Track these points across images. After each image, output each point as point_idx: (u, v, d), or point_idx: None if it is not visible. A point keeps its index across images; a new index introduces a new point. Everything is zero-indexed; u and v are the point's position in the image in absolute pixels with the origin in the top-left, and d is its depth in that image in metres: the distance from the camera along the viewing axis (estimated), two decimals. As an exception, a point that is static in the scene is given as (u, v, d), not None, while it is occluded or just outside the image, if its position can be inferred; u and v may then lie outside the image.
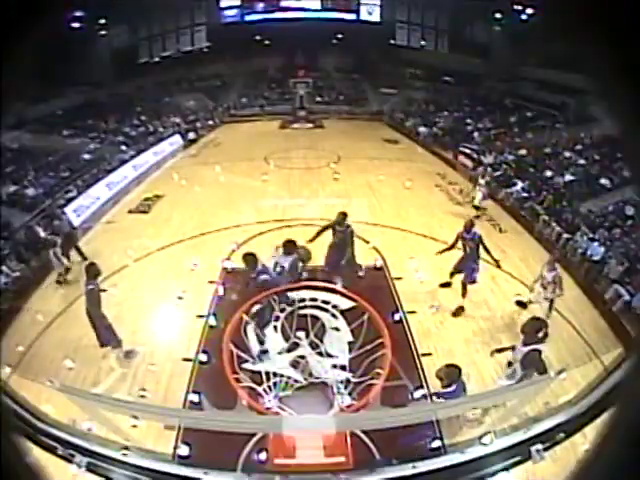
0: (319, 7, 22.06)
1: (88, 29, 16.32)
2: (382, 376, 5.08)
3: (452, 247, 6.59)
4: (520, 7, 17.22)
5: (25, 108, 13.15)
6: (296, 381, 5.24)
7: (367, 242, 8.44)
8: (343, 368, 5.42)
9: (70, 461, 2.39)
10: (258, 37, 22.23)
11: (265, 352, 5.67)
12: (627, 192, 9.00)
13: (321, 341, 5.86)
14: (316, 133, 18.95)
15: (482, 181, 10.56)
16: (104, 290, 5.82)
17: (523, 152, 13.14)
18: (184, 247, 8.62)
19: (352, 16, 22.03)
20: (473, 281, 6.52)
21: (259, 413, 4.62)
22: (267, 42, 22.50)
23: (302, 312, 6.34)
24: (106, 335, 5.55)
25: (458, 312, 6.57)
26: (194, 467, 2.97)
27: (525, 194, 10.64)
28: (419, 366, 5.54)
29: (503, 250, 8.54)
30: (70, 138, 13.81)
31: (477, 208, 10.31)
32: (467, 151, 14.14)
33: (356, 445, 4.21)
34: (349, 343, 5.82)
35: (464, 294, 6.58)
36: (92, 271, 5.44)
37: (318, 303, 6.54)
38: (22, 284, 7.42)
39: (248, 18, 21.98)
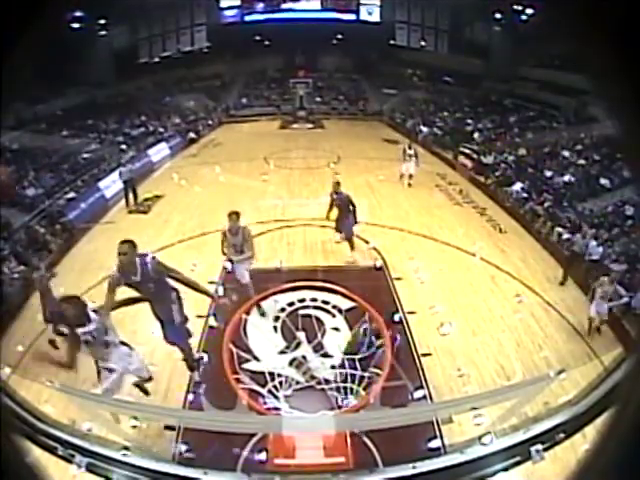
0: (319, 7, 22.07)
1: (88, 29, 16.34)
2: (382, 376, 5.09)
3: (331, 207, 7.67)
4: (520, 7, 17.23)
5: (25, 108, 13.17)
6: (296, 382, 5.24)
7: (367, 242, 8.43)
8: (343, 368, 5.42)
9: (70, 461, 2.39)
10: (258, 37, 22.25)
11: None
12: (627, 192, 9.00)
13: (321, 341, 5.87)
14: (316, 133, 18.96)
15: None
16: None
17: (523, 152, 13.13)
18: (184, 247, 8.61)
19: (352, 16, 22.06)
20: (352, 235, 7.71)
21: (259, 413, 4.62)
22: (267, 42, 22.51)
23: (302, 312, 6.35)
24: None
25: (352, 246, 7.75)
26: (194, 467, 2.97)
27: (525, 194, 10.63)
28: (419, 366, 5.54)
29: (503, 250, 8.55)
30: (70, 138, 13.80)
31: None
32: (467, 151, 14.14)
33: (356, 445, 4.21)
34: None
35: (352, 247, 7.75)
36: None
37: (318, 303, 6.56)
38: (22, 284, 7.42)
39: (248, 18, 22.00)
